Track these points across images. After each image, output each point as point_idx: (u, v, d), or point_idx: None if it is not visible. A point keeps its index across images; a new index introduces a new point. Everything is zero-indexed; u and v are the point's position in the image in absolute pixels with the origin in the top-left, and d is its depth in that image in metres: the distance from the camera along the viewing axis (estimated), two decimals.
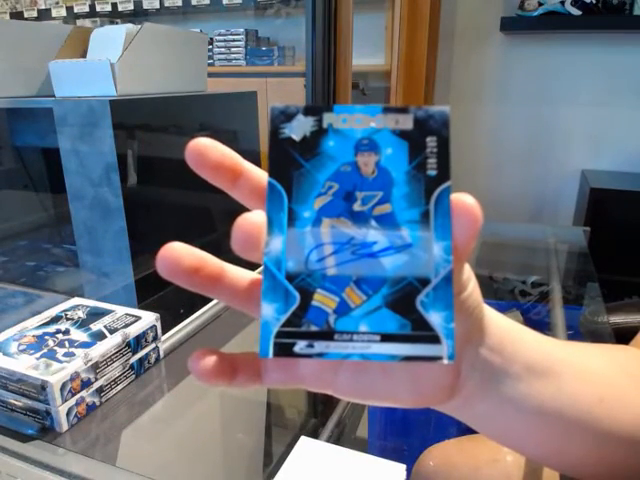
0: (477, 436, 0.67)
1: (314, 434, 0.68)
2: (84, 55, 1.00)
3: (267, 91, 2.14)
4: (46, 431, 0.51)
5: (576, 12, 1.77)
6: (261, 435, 0.91)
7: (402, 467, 0.42)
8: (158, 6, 2.54)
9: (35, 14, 2.92)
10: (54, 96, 0.94)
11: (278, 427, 1.00)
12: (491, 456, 0.59)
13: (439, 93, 2.14)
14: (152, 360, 0.64)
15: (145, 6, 2.58)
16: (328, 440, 0.64)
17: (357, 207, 0.21)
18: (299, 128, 0.21)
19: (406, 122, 0.21)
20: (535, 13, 1.83)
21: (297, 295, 0.20)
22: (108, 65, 0.87)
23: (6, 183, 1.26)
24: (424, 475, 0.60)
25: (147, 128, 0.92)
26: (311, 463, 0.42)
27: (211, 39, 2.41)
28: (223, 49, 2.42)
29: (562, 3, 1.78)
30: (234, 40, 2.40)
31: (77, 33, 1.05)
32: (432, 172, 0.21)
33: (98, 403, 0.56)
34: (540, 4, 1.83)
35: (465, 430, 0.75)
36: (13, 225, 1.28)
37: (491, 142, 2.13)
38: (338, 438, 0.71)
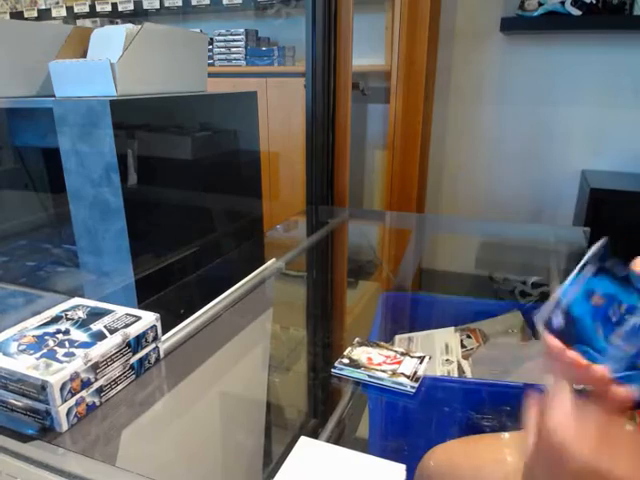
0: (480, 437, 0.67)
1: (314, 434, 0.68)
2: (84, 55, 1.00)
3: (267, 91, 2.14)
4: (46, 431, 0.51)
5: (576, 12, 1.77)
6: (261, 435, 0.91)
7: (402, 467, 0.42)
8: (158, 6, 2.54)
9: (35, 14, 2.92)
10: (54, 96, 0.94)
11: (278, 427, 1.00)
12: (493, 457, 0.59)
13: (439, 93, 2.13)
14: (152, 360, 0.64)
15: (145, 6, 2.58)
16: (328, 440, 0.64)
17: None
18: None
19: None
20: (535, 13, 1.83)
21: None
22: (108, 65, 0.87)
23: (6, 183, 1.25)
24: (427, 475, 0.60)
25: (147, 128, 0.92)
26: (311, 463, 0.42)
27: (211, 39, 2.41)
28: (223, 49, 2.42)
29: (562, 3, 1.78)
30: (234, 40, 2.40)
31: (77, 33, 1.05)
32: None
33: (98, 403, 0.55)
34: (540, 4, 1.83)
35: (466, 431, 0.75)
36: (13, 225, 1.28)
37: (491, 142, 2.13)
38: (338, 438, 0.71)
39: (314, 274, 1.34)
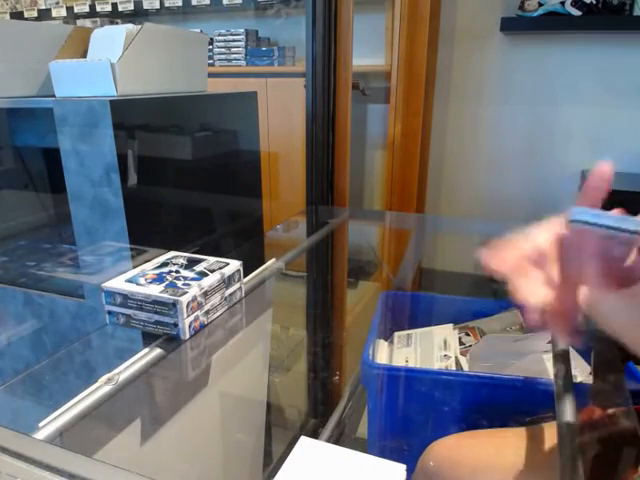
0: (480, 432, 0.67)
1: (314, 434, 0.68)
2: (84, 55, 1.00)
3: (267, 91, 2.14)
4: (171, 340, 0.66)
5: (576, 12, 1.77)
6: (261, 435, 0.91)
7: (402, 467, 0.42)
8: (158, 6, 2.54)
9: (35, 14, 2.92)
10: (54, 96, 0.94)
11: (278, 427, 1.00)
12: (493, 454, 0.59)
13: (439, 93, 2.13)
14: (237, 297, 0.78)
15: (145, 6, 2.58)
16: (328, 440, 0.64)
17: None
18: None
19: None
20: (535, 13, 1.83)
21: None
22: (108, 65, 0.87)
23: (6, 183, 1.26)
24: (427, 471, 0.60)
25: (147, 128, 0.92)
26: (311, 463, 0.42)
27: (211, 39, 2.41)
28: (223, 49, 2.42)
29: (562, 3, 1.78)
30: (234, 40, 2.40)
31: (77, 33, 1.05)
32: None
33: (206, 322, 0.70)
34: (540, 4, 1.83)
35: (465, 429, 0.75)
36: (13, 225, 1.28)
37: (491, 142, 2.13)
38: (338, 438, 0.71)
39: (314, 274, 1.34)
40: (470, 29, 2.02)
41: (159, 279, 0.71)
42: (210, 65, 2.40)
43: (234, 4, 2.40)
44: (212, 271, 0.74)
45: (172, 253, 0.81)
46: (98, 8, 2.72)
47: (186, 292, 0.66)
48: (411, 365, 0.97)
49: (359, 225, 1.53)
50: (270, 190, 2.20)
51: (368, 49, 2.18)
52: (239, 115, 1.20)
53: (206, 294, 0.70)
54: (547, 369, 0.84)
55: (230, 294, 0.76)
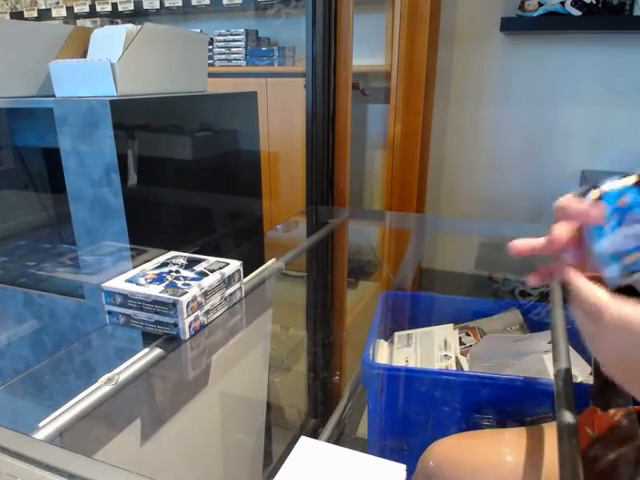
0: (479, 433, 0.67)
1: (314, 434, 0.68)
2: (84, 55, 1.00)
3: (267, 91, 2.14)
4: (171, 340, 0.66)
5: (576, 12, 1.77)
6: (261, 435, 0.92)
7: (402, 467, 0.42)
8: (158, 6, 2.54)
9: (35, 14, 2.92)
10: (54, 96, 0.94)
11: (278, 427, 1.00)
12: (492, 455, 0.59)
13: (439, 93, 2.13)
14: (237, 297, 0.78)
15: (145, 6, 2.58)
16: (328, 440, 0.64)
17: None
18: None
19: None
20: (535, 14, 1.83)
21: None
22: (108, 65, 0.87)
23: (6, 183, 1.26)
24: (427, 472, 0.60)
25: (147, 128, 0.92)
26: (311, 463, 0.42)
27: (211, 39, 2.41)
28: (223, 49, 2.42)
29: (562, 3, 1.78)
30: (234, 40, 2.40)
31: (77, 33, 1.05)
32: None
33: (206, 322, 0.71)
34: (540, 4, 1.83)
35: (465, 429, 0.75)
36: (13, 225, 1.28)
37: (491, 142, 2.13)
38: (338, 438, 0.71)
39: (314, 274, 1.34)
40: (470, 29, 2.02)
41: (159, 279, 0.71)
42: (210, 65, 2.40)
43: (234, 4, 2.40)
44: (212, 271, 0.74)
45: (172, 253, 0.81)
46: (98, 8, 2.72)
47: (186, 292, 0.67)
48: (411, 365, 0.97)
49: (359, 225, 1.53)
50: (270, 190, 2.20)
51: (368, 49, 2.18)
52: (239, 115, 1.20)
53: (206, 294, 0.70)
54: (547, 369, 0.84)
55: (230, 294, 0.76)
